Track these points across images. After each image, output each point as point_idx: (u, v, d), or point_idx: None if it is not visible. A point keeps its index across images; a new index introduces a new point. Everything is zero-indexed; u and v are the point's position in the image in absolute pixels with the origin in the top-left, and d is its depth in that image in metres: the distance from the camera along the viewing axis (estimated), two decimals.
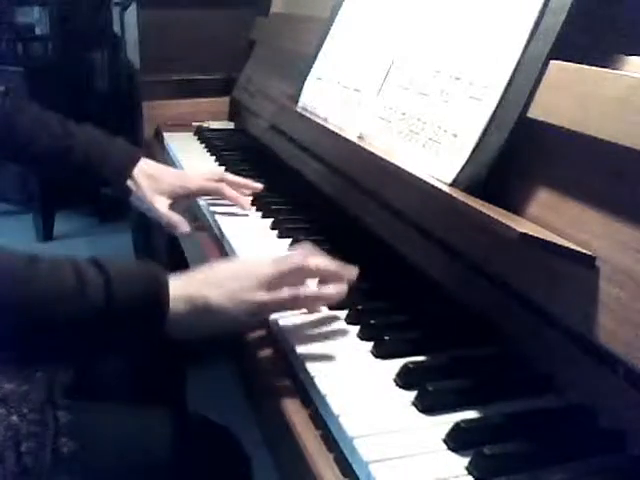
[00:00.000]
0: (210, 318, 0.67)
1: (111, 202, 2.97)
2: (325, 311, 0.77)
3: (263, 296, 0.68)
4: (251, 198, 1.15)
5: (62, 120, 1.12)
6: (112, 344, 0.66)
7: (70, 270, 0.63)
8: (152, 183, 1.10)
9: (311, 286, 0.73)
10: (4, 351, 0.63)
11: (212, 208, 1.11)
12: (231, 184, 1.13)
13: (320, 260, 0.73)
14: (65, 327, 0.62)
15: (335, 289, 0.72)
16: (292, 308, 0.73)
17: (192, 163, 1.40)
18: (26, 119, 1.10)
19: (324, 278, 0.73)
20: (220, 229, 1.02)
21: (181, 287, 0.67)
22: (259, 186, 1.15)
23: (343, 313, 0.75)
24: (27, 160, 1.14)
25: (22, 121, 1.10)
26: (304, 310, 0.75)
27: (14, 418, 0.76)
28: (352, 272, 0.75)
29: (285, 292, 0.70)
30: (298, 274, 0.71)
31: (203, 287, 0.67)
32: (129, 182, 1.11)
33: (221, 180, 1.13)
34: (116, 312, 0.62)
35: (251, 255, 0.83)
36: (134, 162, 1.11)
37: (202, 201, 1.15)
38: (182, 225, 1.08)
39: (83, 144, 1.10)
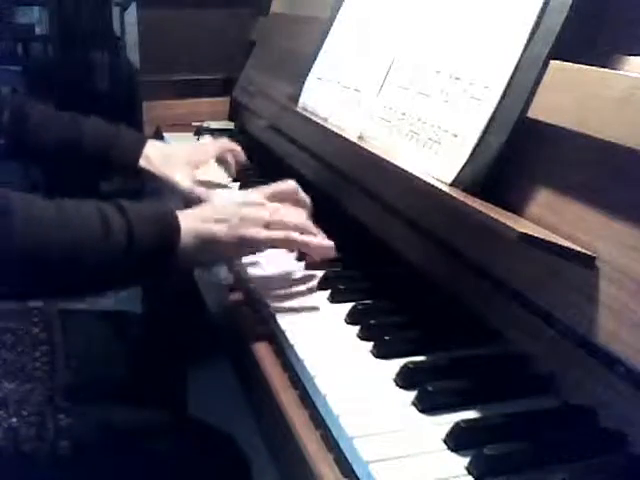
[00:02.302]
0: (212, 249, 0.76)
1: (111, 198, 2.97)
2: (325, 310, 0.77)
3: (259, 233, 0.77)
4: None
5: (69, 113, 1.15)
6: (132, 276, 0.75)
7: (96, 215, 0.70)
8: (166, 159, 1.15)
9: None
10: (39, 286, 0.71)
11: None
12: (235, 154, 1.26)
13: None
14: (93, 265, 0.69)
15: (323, 243, 0.80)
16: (283, 247, 0.83)
17: None
18: (35, 114, 1.12)
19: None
20: None
21: (190, 222, 0.75)
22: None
23: (343, 313, 0.75)
24: (38, 154, 1.16)
25: (31, 117, 1.12)
26: (304, 309, 0.76)
27: (14, 420, 0.76)
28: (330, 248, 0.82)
29: (278, 234, 0.78)
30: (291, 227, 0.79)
31: (208, 222, 0.76)
32: (142, 162, 1.14)
33: (229, 149, 1.25)
34: (136, 250, 0.70)
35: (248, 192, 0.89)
36: (143, 142, 1.16)
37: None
38: (204, 195, 1.13)
39: (92, 131, 1.14)
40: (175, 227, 0.73)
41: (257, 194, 0.82)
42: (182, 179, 1.14)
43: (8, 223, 0.65)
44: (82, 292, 0.79)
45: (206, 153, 1.22)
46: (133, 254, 0.70)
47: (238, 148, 1.27)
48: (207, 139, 1.34)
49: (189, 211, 0.78)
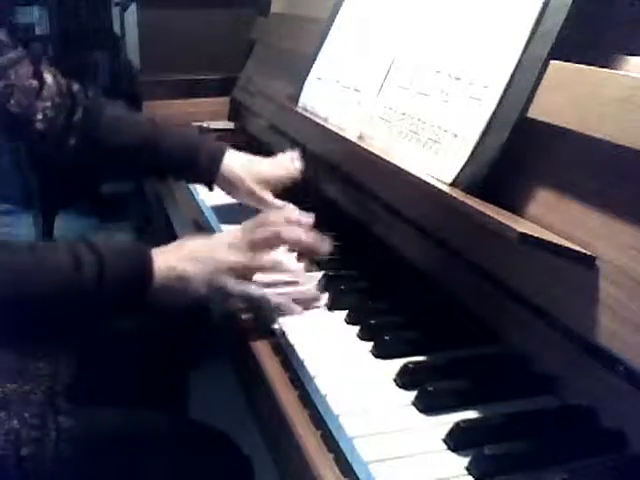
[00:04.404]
0: (184, 289, 0.73)
1: (111, 202, 2.97)
2: (325, 311, 0.77)
3: (230, 283, 0.75)
4: None
5: (147, 117, 1.13)
6: (106, 311, 0.73)
7: (66, 253, 0.68)
8: (249, 172, 1.07)
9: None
10: (7, 332, 0.69)
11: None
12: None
13: (293, 232, 0.79)
14: (64, 304, 0.68)
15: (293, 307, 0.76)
16: (253, 302, 0.78)
17: None
18: (109, 115, 1.08)
19: (298, 250, 0.81)
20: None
21: (164, 260, 0.73)
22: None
23: (343, 313, 0.75)
24: (109, 157, 1.11)
25: (105, 117, 1.08)
26: (302, 307, 0.76)
27: (15, 422, 0.76)
28: (325, 247, 0.80)
29: (252, 290, 0.76)
30: (270, 268, 0.78)
31: (184, 262, 0.74)
32: (223, 173, 1.06)
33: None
34: (108, 286, 0.69)
35: (226, 232, 0.85)
36: (223, 151, 1.08)
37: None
38: (291, 211, 0.97)
39: (174, 137, 1.08)
40: (147, 262, 0.71)
41: (243, 238, 0.77)
42: (268, 196, 1.06)
43: None
44: (55, 331, 0.77)
45: (288, 173, 1.09)
46: (104, 289, 0.68)
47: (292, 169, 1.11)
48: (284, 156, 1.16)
49: (166, 248, 0.76)
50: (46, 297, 0.67)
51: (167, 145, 1.07)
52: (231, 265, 0.75)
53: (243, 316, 0.79)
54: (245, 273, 0.76)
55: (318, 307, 0.78)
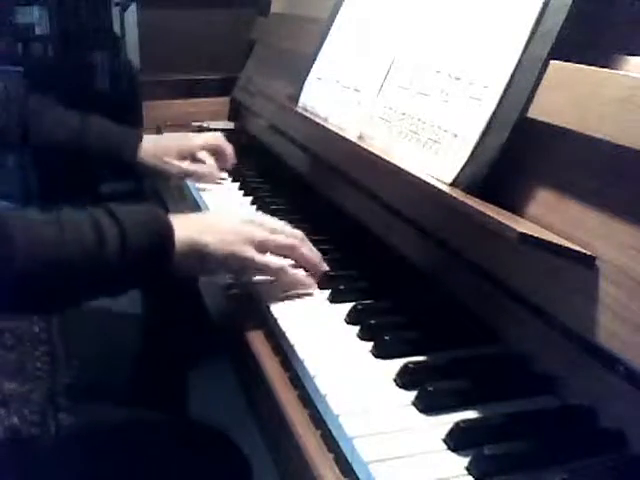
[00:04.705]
0: (203, 260, 0.76)
1: (111, 201, 2.97)
2: (325, 311, 0.77)
3: (251, 254, 0.77)
4: (251, 198, 1.16)
5: (78, 114, 1.20)
6: (127, 282, 0.75)
7: (90, 226, 0.70)
8: (159, 150, 1.21)
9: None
10: (37, 303, 0.72)
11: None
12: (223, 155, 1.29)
13: (308, 250, 0.82)
14: (89, 277, 0.70)
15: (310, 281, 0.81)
16: (270, 275, 0.80)
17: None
18: (48, 117, 1.18)
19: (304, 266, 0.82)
20: None
21: (185, 231, 0.74)
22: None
23: (343, 313, 0.75)
24: (49, 151, 1.21)
25: (44, 120, 1.17)
26: (302, 307, 0.77)
27: (15, 419, 0.76)
28: (324, 268, 0.83)
29: (272, 261, 0.78)
30: (286, 250, 0.80)
31: (203, 233, 0.75)
32: (142, 155, 1.20)
33: (217, 145, 1.29)
34: (130, 258, 0.70)
35: (251, 212, 0.88)
36: (140, 136, 1.22)
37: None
38: (215, 171, 1.23)
39: (95, 134, 1.19)
40: (167, 234, 0.73)
41: (263, 218, 0.83)
42: (173, 167, 1.21)
43: (9, 249, 0.65)
44: (79, 302, 0.80)
45: (191, 145, 1.26)
46: (126, 261, 0.70)
47: (224, 147, 1.30)
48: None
49: (188, 218, 0.79)
50: (72, 269, 0.68)
51: (89, 141, 1.17)
52: (249, 237, 0.77)
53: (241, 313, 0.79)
54: (261, 247, 0.78)
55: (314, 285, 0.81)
